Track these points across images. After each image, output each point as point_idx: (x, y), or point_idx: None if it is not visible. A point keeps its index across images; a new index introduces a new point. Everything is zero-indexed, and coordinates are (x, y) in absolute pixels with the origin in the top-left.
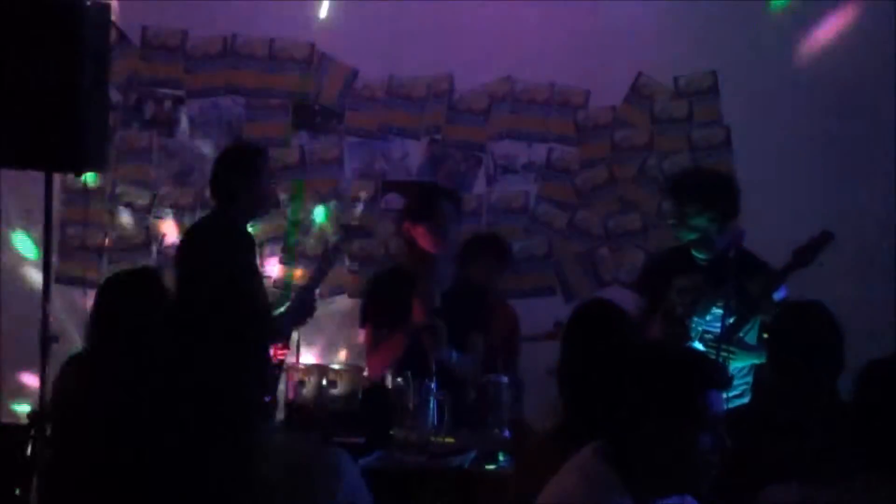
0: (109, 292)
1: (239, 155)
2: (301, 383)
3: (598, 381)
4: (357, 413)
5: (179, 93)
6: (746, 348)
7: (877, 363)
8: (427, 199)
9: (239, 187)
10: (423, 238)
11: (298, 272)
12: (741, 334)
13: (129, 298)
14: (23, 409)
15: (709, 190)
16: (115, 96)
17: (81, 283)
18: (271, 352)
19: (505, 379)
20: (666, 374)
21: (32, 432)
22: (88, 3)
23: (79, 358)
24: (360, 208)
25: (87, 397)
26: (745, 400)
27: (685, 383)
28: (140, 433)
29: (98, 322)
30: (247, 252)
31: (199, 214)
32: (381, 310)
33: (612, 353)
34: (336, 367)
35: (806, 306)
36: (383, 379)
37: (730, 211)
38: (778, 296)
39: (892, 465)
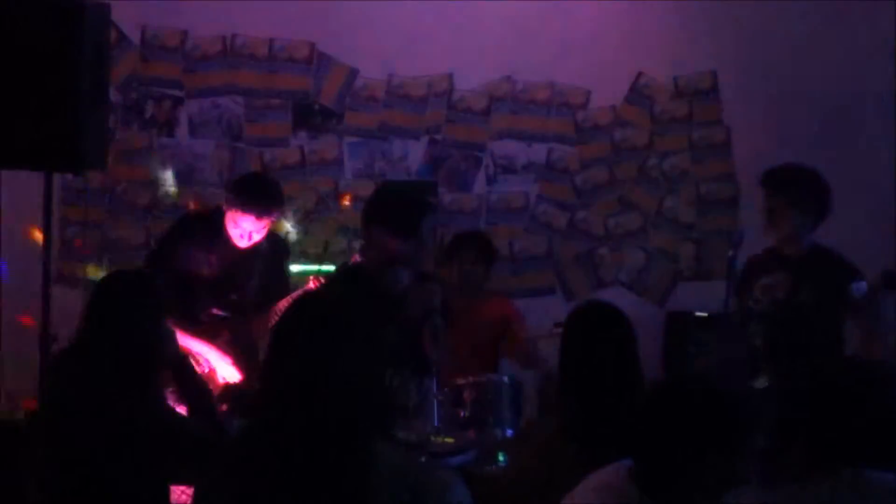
0: (106, 290)
1: (268, 191)
2: None
3: (597, 382)
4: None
5: (179, 93)
6: None
7: (827, 362)
8: (411, 220)
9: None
10: (398, 250)
11: None
12: None
13: (125, 298)
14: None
15: (804, 186)
16: (115, 96)
17: (81, 283)
18: None
19: (506, 378)
20: (722, 414)
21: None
22: (88, 3)
23: (68, 354)
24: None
25: (78, 395)
26: None
27: (740, 425)
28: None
29: (91, 319)
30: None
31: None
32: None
33: (610, 354)
34: None
35: (809, 308)
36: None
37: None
38: (859, 289)
39: (842, 465)
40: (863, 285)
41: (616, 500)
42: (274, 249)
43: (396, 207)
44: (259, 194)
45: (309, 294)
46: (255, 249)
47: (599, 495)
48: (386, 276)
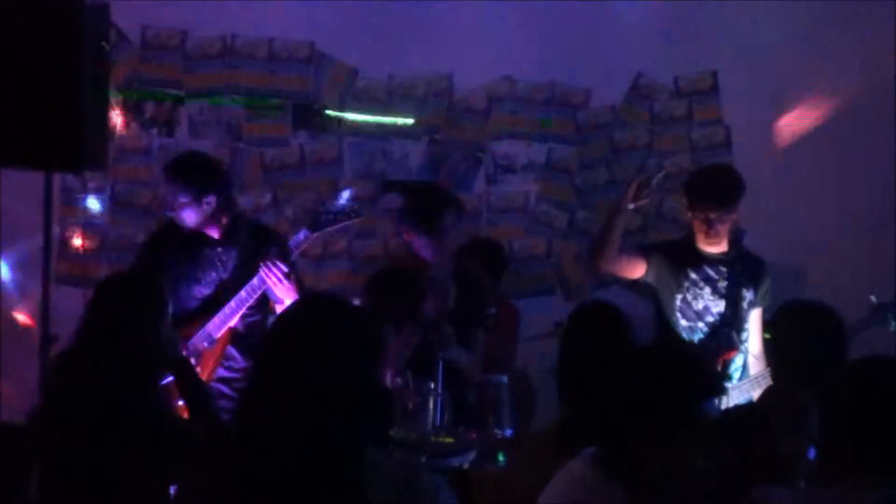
0: (108, 291)
1: (181, 160)
2: None
3: (596, 382)
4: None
5: (179, 93)
6: None
7: (865, 363)
8: (432, 211)
9: None
10: (423, 248)
11: None
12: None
13: (127, 299)
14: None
15: (735, 189)
16: (115, 96)
17: (81, 283)
18: None
19: (505, 379)
20: (662, 381)
21: (32, 432)
22: (88, 3)
23: (69, 355)
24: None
25: (79, 396)
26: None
27: (681, 391)
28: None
29: (93, 320)
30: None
31: None
32: (381, 309)
33: (611, 354)
34: None
35: (810, 307)
36: (383, 379)
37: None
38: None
39: (883, 468)
40: None
41: (581, 487)
42: (256, 244)
43: (417, 205)
44: (172, 162)
45: (306, 299)
46: (228, 242)
47: (565, 486)
48: (423, 277)
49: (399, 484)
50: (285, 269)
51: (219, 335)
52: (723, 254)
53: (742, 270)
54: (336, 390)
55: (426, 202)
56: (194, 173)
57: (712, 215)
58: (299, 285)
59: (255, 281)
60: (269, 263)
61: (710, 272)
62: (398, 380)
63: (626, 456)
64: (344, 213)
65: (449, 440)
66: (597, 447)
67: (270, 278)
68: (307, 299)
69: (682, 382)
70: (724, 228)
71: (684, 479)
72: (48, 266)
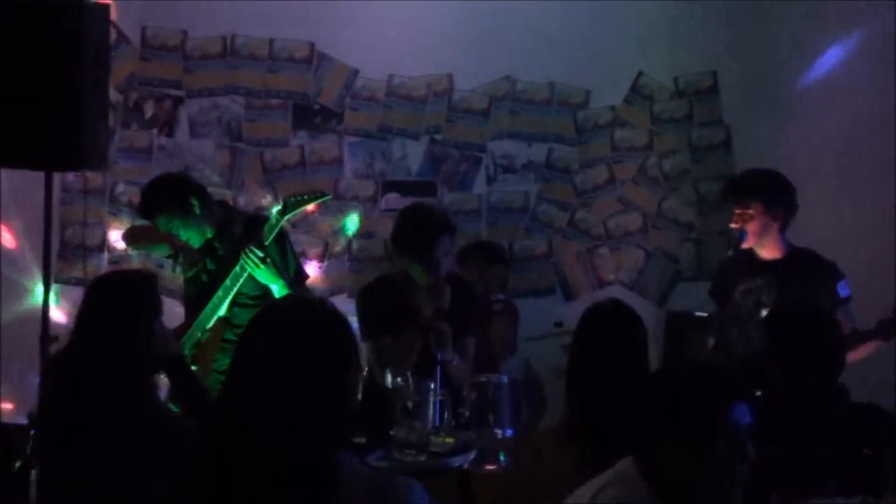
0: (101, 290)
1: (144, 193)
2: None
3: (608, 382)
4: (357, 413)
5: (179, 93)
6: None
7: None
8: (425, 242)
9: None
10: (412, 271)
11: None
12: None
13: (120, 298)
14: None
15: (774, 189)
16: (115, 96)
17: (81, 283)
18: None
19: (505, 379)
20: (688, 390)
21: (32, 432)
22: (88, 3)
23: (64, 354)
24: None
25: (74, 396)
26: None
27: (707, 399)
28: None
29: (87, 319)
30: None
31: None
32: (378, 321)
33: (624, 355)
34: None
35: (808, 308)
36: (383, 379)
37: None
38: (843, 293)
39: None
40: (845, 290)
41: (613, 490)
42: (244, 234)
43: (410, 233)
44: (141, 210)
45: (278, 301)
46: (225, 239)
47: (598, 489)
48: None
49: (370, 488)
50: (261, 255)
51: (209, 325)
52: (774, 260)
53: (796, 277)
54: (306, 394)
55: (419, 231)
56: (163, 196)
57: (734, 209)
58: (282, 271)
59: (237, 268)
60: (245, 250)
61: (759, 281)
62: (398, 380)
63: (658, 465)
64: (310, 195)
65: (449, 440)
66: (636, 454)
67: (248, 264)
68: (276, 302)
69: (705, 390)
70: (750, 227)
71: (714, 487)
72: (48, 266)
